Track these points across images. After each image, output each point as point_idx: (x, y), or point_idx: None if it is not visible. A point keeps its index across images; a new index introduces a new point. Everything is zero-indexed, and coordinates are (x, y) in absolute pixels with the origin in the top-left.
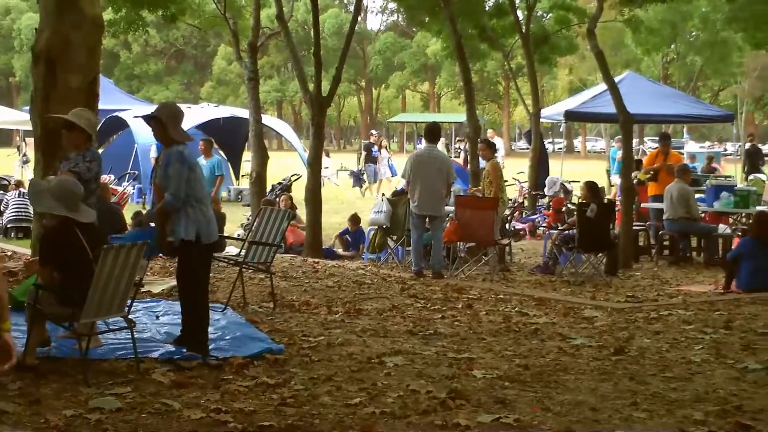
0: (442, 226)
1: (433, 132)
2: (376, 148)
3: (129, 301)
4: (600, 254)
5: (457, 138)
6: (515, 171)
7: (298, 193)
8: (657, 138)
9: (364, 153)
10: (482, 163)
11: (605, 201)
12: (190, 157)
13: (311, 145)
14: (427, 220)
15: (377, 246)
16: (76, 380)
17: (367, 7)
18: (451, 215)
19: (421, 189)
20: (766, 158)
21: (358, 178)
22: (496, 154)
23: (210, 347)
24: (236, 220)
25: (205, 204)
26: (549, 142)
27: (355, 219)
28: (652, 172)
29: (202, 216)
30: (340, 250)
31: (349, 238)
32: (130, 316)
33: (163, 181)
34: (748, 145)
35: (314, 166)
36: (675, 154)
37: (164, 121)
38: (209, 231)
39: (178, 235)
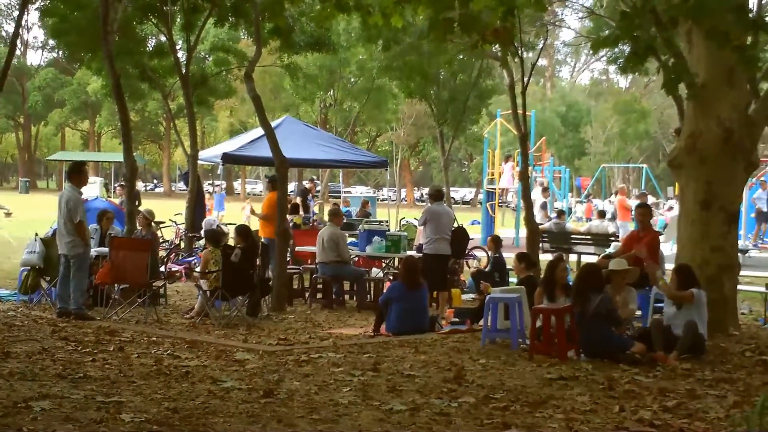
0: (79, 266)
1: (70, 170)
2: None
3: None
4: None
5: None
6: (173, 212)
7: None
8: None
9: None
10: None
11: (255, 244)
12: None
13: None
14: None
15: (30, 287)
16: None
17: (27, 41)
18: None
19: (57, 227)
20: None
21: None
22: None
23: None
24: None
25: None
26: (209, 184)
27: None
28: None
29: None
30: None
31: None
32: None
33: None
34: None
35: None
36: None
37: None
38: None
39: None
